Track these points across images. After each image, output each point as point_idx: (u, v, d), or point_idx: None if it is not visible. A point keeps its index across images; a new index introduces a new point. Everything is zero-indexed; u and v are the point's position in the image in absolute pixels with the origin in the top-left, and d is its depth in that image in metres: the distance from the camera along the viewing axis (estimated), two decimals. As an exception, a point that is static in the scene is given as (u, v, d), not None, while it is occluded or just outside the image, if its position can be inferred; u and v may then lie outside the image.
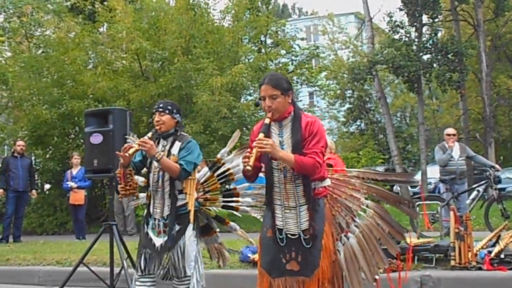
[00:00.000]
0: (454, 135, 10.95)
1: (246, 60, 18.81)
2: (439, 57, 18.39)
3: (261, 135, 3.84)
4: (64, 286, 6.67)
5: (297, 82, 22.51)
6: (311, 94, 34.01)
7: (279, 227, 4.00)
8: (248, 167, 3.74)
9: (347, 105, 29.05)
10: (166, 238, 4.79)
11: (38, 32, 20.26)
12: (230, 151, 5.42)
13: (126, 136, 5.48)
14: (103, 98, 15.87)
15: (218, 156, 5.39)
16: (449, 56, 18.27)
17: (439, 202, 10.65)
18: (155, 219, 4.87)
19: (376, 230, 4.18)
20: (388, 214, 4.23)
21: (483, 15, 20.51)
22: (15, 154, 13.07)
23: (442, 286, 6.40)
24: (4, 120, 18.77)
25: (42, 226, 16.06)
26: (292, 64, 21.97)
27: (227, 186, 5.54)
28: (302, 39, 26.04)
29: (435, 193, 13.49)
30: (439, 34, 21.06)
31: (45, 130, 16.17)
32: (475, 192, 11.00)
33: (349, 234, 4.18)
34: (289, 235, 3.97)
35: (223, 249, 5.57)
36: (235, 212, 5.45)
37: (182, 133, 5.00)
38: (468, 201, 10.74)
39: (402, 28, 19.08)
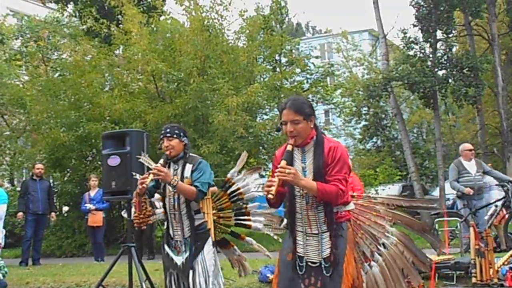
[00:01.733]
0: (473, 150, 10.90)
1: (261, 79, 18.85)
2: (454, 72, 18.29)
3: (283, 163, 3.76)
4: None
5: (313, 100, 22.50)
6: (326, 112, 34.01)
7: (300, 254, 3.94)
8: (270, 196, 3.66)
9: (363, 122, 28.88)
10: (186, 255, 4.87)
11: (54, 56, 20.54)
12: (240, 171, 5.49)
13: (138, 156, 5.54)
14: (120, 120, 15.94)
15: (228, 176, 5.49)
16: (465, 71, 18.18)
17: (458, 219, 10.56)
18: (176, 241, 4.94)
19: (399, 259, 4.13)
20: (412, 242, 4.18)
21: (497, 29, 20.41)
22: (34, 177, 13.19)
23: (463, 304, 6.35)
24: (22, 143, 18.95)
25: (61, 248, 16.10)
26: (307, 82, 22.00)
27: (239, 204, 5.59)
28: (317, 57, 26.05)
29: (453, 209, 13.35)
30: (454, 49, 20.93)
31: (63, 153, 16.26)
32: (493, 208, 10.89)
33: (372, 263, 4.14)
34: (309, 263, 3.90)
35: (242, 260, 5.65)
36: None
37: (191, 154, 5.08)
38: (486, 217, 10.63)
39: (417, 44, 19.01)
